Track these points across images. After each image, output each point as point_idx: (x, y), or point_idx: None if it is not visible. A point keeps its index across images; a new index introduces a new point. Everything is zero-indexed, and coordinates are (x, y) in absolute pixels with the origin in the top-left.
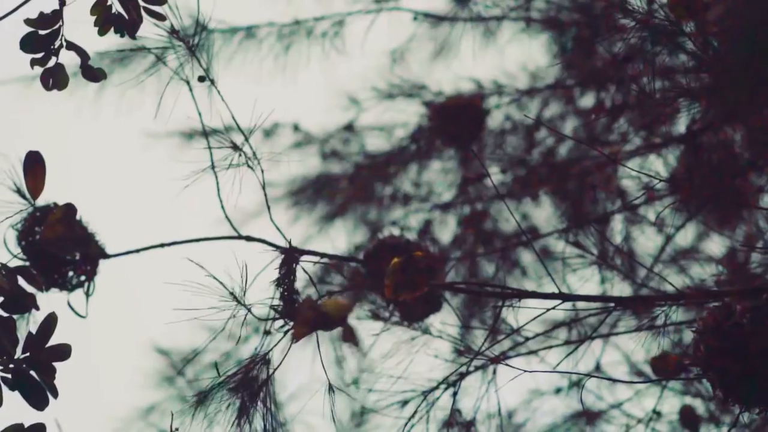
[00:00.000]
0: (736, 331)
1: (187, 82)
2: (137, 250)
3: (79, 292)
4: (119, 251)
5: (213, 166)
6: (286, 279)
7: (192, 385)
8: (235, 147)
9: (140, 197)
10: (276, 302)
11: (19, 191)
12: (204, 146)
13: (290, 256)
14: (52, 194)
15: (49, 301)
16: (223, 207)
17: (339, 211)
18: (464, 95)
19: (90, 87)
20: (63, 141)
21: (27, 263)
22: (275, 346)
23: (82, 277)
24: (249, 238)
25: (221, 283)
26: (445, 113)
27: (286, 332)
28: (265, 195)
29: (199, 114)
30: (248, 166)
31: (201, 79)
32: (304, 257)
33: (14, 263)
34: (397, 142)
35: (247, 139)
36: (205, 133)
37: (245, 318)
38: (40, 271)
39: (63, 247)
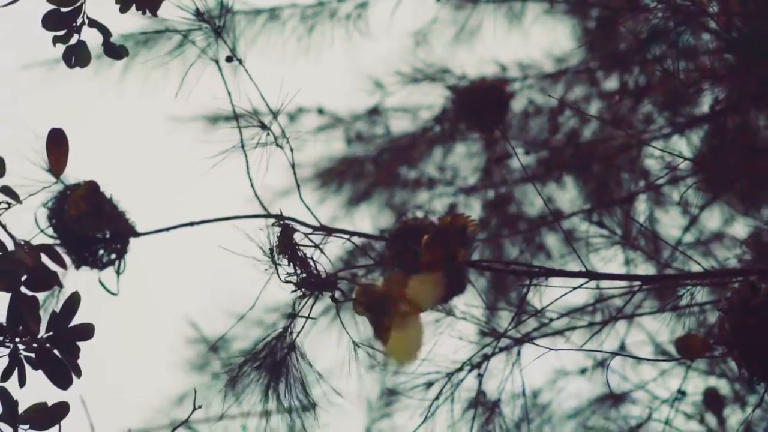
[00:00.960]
0: (762, 309)
1: (216, 62)
2: (167, 229)
3: (110, 270)
4: (149, 230)
5: (242, 145)
6: (287, 249)
7: (224, 369)
8: (263, 126)
9: (167, 177)
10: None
11: (50, 170)
12: (231, 126)
13: (287, 228)
14: (81, 173)
15: (81, 279)
16: (252, 185)
17: (364, 194)
18: (488, 79)
19: (113, 69)
20: (88, 122)
21: (58, 241)
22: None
23: (113, 255)
24: (278, 217)
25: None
26: (469, 97)
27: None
28: (294, 173)
29: (228, 93)
30: (276, 144)
31: (229, 59)
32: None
33: (45, 241)
34: (421, 124)
35: (275, 117)
36: (234, 113)
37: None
38: (70, 249)
39: (90, 224)
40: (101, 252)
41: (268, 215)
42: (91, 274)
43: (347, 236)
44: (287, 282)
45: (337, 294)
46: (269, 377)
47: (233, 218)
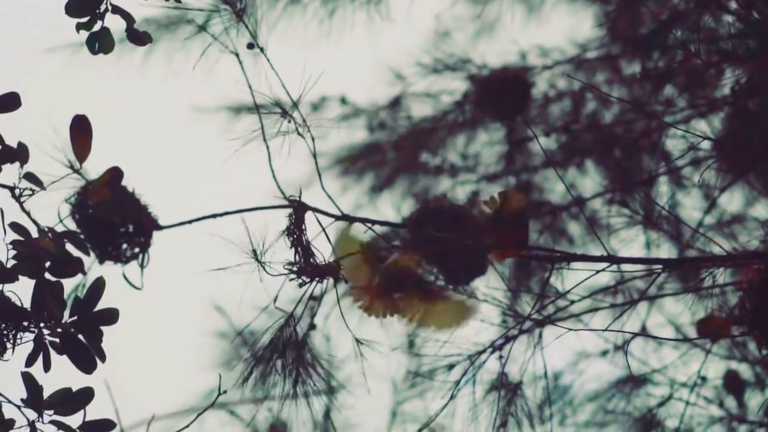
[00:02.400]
0: None
1: (236, 55)
2: (190, 221)
3: (134, 265)
4: (172, 223)
5: (263, 133)
6: (295, 230)
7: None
8: (285, 113)
9: (188, 166)
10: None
11: (72, 166)
12: (253, 114)
13: (300, 208)
14: (103, 162)
15: (105, 273)
16: (274, 174)
17: (386, 181)
18: (509, 67)
19: (136, 54)
20: (111, 107)
21: (81, 237)
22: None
23: (136, 249)
24: (301, 206)
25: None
26: (490, 86)
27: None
28: (316, 162)
29: (248, 81)
30: (298, 133)
31: (250, 46)
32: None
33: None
34: (443, 110)
35: (296, 105)
36: (255, 101)
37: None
38: (94, 244)
39: (112, 212)
40: (125, 246)
41: (291, 206)
42: (115, 268)
43: (369, 224)
44: (287, 270)
45: (339, 282)
46: (293, 362)
47: (255, 209)
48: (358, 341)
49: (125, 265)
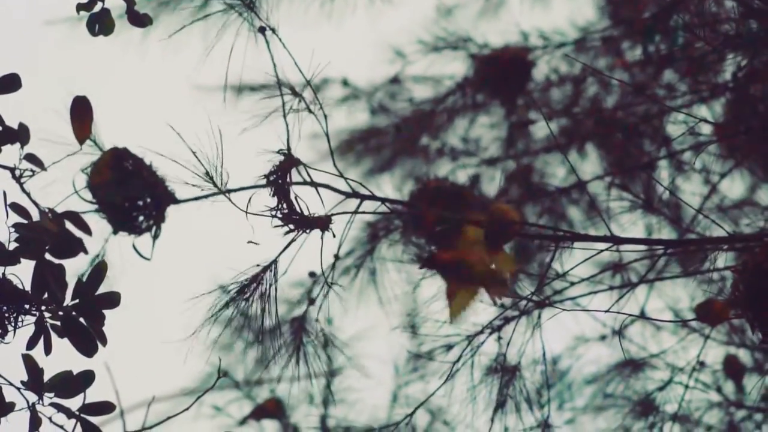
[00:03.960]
0: None
1: (262, 30)
2: (205, 197)
3: (147, 236)
4: (188, 197)
5: (284, 108)
6: (279, 178)
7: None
8: (295, 92)
9: (195, 143)
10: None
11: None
12: (259, 92)
13: (289, 159)
14: (116, 136)
15: (118, 244)
16: (289, 148)
17: (386, 164)
18: (510, 47)
19: (136, 30)
20: (111, 82)
21: (96, 207)
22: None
23: (151, 221)
24: (313, 184)
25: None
26: (491, 66)
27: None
28: (328, 139)
29: (252, 60)
30: (309, 110)
31: (262, 29)
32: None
33: (83, 206)
34: (444, 92)
35: (309, 83)
36: (271, 82)
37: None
38: (109, 214)
39: (114, 192)
40: (140, 218)
41: (304, 182)
42: (129, 239)
43: (379, 202)
44: (273, 216)
45: (329, 234)
46: (294, 343)
47: (266, 186)
48: (329, 284)
49: (138, 237)
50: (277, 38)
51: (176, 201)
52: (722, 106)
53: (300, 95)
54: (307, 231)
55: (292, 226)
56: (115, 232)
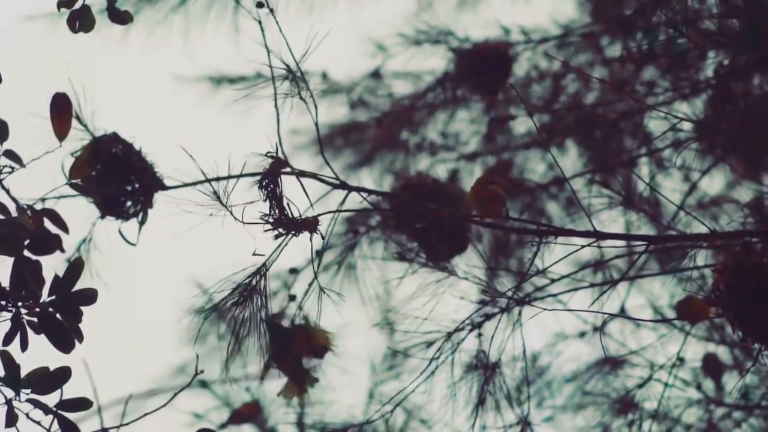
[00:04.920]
0: (757, 270)
1: (260, 4)
2: (193, 183)
3: (134, 222)
4: (176, 184)
5: (275, 95)
6: (270, 183)
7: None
8: (291, 74)
9: (178, 132)
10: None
11: (78, 118)
12: (252, 80)
13: (277, 162)
14: (107, 123)
15: (106, 228)
16: (280, 140)
17: (366, 159)
18: (491, 42)
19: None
20: (93, 76)
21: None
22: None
23: (138, 207)
24: (301, 173)
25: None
26: (471, 60)
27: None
28: (317, 128)
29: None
30: (300, 98)
31: (260, 5)
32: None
33: (71, 192)
34: (423, 87)
35: (299, 66)
36: (270, 70)
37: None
38: (98, 201)
39: (96, 187)
40: (128, 203)
41: (292, 172)
42: (116, 223)
43: (366, 194)
44: (262, 221)
45: (317, 237)
46: (269, 338)
47: (255, 174)
48: (322, 289)
49: (126, 222)
50: (273, 18)
51: (164, 187)
52: (703, 103)
53: (294, 75)
54: (296, 234)
55: (282, 230)
56: (102, 217)
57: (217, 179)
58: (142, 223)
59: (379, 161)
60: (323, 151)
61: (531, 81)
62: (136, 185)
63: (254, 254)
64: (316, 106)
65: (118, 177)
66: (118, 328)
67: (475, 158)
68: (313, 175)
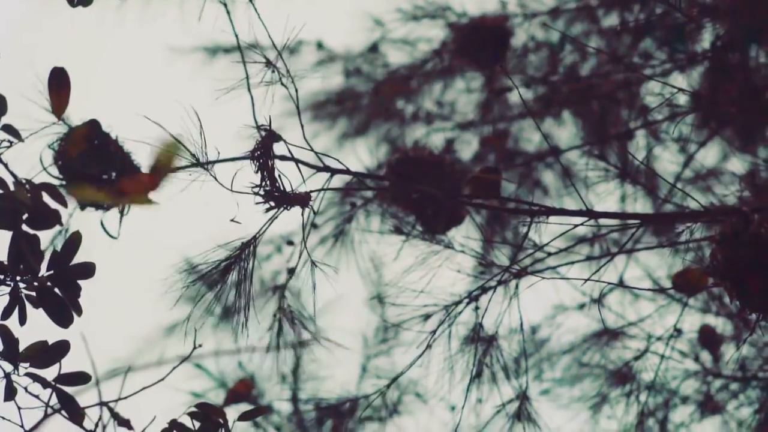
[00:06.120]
0: (754, 240)
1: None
2: (172, 170)
3: (114, 212)
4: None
5: (248, 81)
6: (262, 155)
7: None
8: (269, 63)
9: (165, 112)
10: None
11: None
12: (233, 62)
13: (270, 135)
14: (84, 111)
15: (85, 220)
16: (257, 123)
17: (361, 128)
18: (488, 16)
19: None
20: (87, 53)
21: (63, 183)
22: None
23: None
24: (283, 158)
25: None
26: (469, 34)
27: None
28: (299, 112)
29: (232, 25)
30: (281, 83)
31: None
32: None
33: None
34: (420, 57)
35: (280, 55)
36: (242, 53)
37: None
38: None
39: (91, 163)
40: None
41: (275, 157)
42: (96, 215)
43: (350, 175)
44: (254, 193)
45: (309, 212)
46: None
47: (239, 159)
48: (314, 263)
49: (106, 212)
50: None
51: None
52: (700, 75)
53: (273, 65)
54: (288, 208)
55: (273, 204)
56: (82, 208)
57: (199, 164)
58: (123, 213)
59: (375, 130)
60: (304, 133)
61: (528, 52)
62: (113, 175)
63: (232, 221)
64: (296, 89)
65: (95, 166)
66: (117, 301)
67: (470, 127)
68: (296, 160)
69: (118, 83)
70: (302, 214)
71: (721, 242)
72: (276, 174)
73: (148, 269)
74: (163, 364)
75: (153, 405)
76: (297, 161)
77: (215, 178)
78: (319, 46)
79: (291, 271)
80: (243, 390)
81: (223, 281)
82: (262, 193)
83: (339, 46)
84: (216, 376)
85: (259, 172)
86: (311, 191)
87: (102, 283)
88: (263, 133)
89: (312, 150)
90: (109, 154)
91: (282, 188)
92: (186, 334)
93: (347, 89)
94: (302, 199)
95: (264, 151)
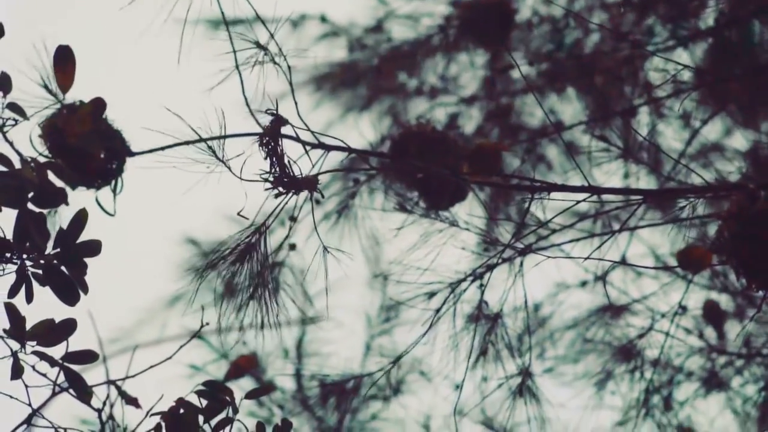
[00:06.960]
0: (760, 216)
1: None
2: (163, 148)
3: (107, 190)
4: (144, 149)
5: (237, 65)
6: (270, 141)
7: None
8: (260, 46)
9: (160, 88)
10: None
11: (47, 87)
12: (228, 41)
13: (278, 120)
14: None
15: (78, 199)
16: (248, 105)
17: (364, 102)
18: None
19: None
20: (78, 28)
21: (53, 161)
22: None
23: (108, 176)
24: (290, 138)
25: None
26: (473, 11)
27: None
28: (293, 92)
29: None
30: (274, 62)
31: None
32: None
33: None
34: (424, 33)
35: (272, 36)
36: (227, 25)
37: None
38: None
39: (95, 143)
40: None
41: (264, 113)
42: (89, 194)
43: (347, 152)
44: (263, 179)
45: (317, 196)
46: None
47: (232, 136)
48: (326, 249)
49: (98, 191)
50: None
51: (131, 154)
52: (703, 51)
53: (265, 48)
54: (297, 193)
55: (282, 189)
56: (73, 188)
57: (188, 143)
58: (115, 192)
59: (378, 104)
60: (299, 113)
61: (532, 27)
62: (103, 153)
63: (239, 214)
64: (290, 69)
65: (96, 145)
66: (123, 277)
67: (474, 102)
68: (303, 142)
69: (111, 57)
70: (311, 198)
71: (727, 219)
72: (285, 160)
73: (152, 246)
74: (165, 341)
75: (152, 376)
76: (304, 143)
77: (230, 169)
78: (323, 19)
79: (292, 247)
80: (246, 365)
81: (241, 264)
82: (271, 179)
83: (342, 18)
84: (217, 349)
85: (268, 158)
86: (319, 173)
87: (105, 258)
88: (271, 118)
89: (309, 129)
90: (102, 132)
91: (291, 173)
92: (193, 309)
93: (350, 62)
94: (310, 183)
95: (272, 137)
